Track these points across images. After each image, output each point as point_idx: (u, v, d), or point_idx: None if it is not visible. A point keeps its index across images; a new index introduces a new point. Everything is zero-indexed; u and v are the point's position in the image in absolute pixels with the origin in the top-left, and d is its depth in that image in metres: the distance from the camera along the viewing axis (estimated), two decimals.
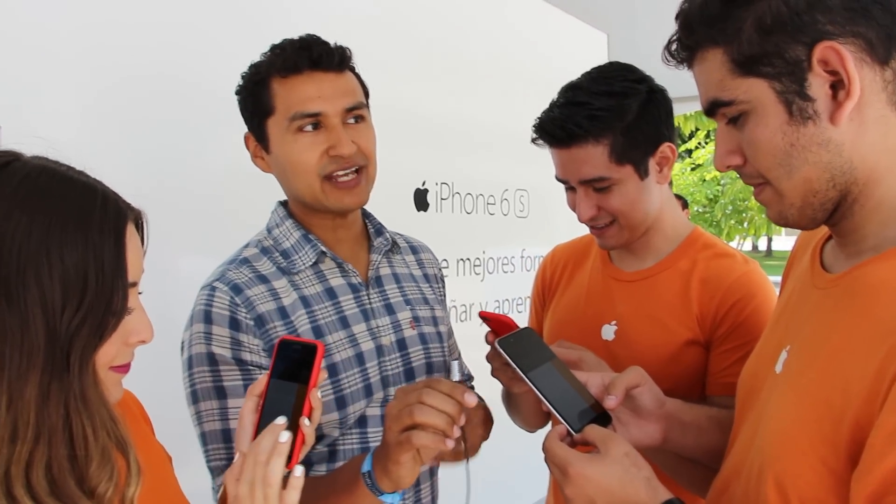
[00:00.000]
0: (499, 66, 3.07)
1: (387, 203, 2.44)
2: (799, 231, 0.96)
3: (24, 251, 0.71)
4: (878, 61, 0.77)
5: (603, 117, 1.24)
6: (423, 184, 2.72)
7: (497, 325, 1.20)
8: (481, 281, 3.04)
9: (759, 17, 0.78)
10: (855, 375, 0.73)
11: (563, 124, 1.26)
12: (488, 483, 2.68)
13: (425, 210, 2.74)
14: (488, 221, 3.08)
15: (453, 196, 2.87)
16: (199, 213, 1.84)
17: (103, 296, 0.75)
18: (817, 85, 0.78)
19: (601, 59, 4.10)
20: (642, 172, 1.29)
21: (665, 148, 1.31)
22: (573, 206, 1.34)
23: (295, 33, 1.25)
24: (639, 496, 0.86)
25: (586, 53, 3.65)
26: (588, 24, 3.72)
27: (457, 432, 0.97)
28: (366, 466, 1.04)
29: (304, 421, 0.88)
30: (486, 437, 1.25)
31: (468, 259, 2.97)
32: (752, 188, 0.89)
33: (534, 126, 1.31)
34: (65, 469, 0.72)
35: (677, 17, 0.86)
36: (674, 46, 0.87)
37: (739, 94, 0.81)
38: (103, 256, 0.75)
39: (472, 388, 1.53)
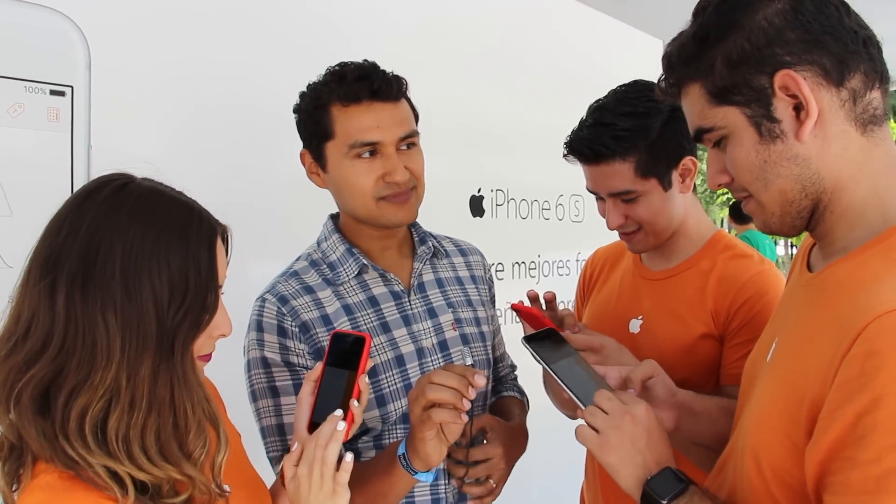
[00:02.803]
0: (554, 75, 3.14)
1: (444, 209, 2.56)
2: None
3: (140, 257, 0.86)
4: (833, 84, 0.87)
5: (627, 137, 1.34)
6: (479, 190, 2.83)
7: (527, 318, 1.31)
8: (536, 283, 3.12)
9: (727, 54, 0.89)
10: (815, 361, 0.82)
11: (591, 144, 1.37)
12: (541, 489, 2.77)
13: (481, 216, 2.84)
14: (543, 226, 3.17)
15: (508, 202, 2.97)
16: (265, 225, 1.98)
17: (200, 295, 0.90)
18: (782, 108, 0.88)
19: (656, 65, 4.14)
20: (666, 184, 1.39)
21: (687, 161, 1.41)
22: (603, 214, 1.45)
23: (349, 52, 1.36)
24: (665, 451, 0.99)
25: (641, 60, 3.68)
26: (642, 31, 3.76)
27: (466, 405, 1.08)
28: (401, 450, 1.17)
29: (354, 403, 1.03)
30: (512, 463, 1.37)
31: (523, 262, 3.06)
32: None
33: (565, 144, 1.43)
34: (170, 436, 0.87)
35: (662, 59, 0.98)
36: (662, 84, 0.99)
37: (717, 121, 0.93)
38: (200, 263, 0.90)
39: (515, 378, 1.65)
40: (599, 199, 1.46)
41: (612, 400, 1.02)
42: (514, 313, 1.35)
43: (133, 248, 0.85)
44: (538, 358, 1.13)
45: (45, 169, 1.61)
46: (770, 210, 0.94)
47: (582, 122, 1.42)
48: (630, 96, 1.40)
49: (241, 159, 1.97)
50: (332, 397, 1.03)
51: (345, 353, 1.06)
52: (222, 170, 1.94)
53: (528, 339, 1.15)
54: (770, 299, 1.34)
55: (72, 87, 1.66)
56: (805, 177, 0.89)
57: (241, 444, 1.14)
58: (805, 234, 1.05)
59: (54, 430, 0.82)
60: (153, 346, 0.86)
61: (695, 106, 0.95)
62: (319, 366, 1.07)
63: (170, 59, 1.82)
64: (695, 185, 1.47)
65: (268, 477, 1.19)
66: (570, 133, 1.43)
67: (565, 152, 1.43)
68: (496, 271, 2.90)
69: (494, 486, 1.34)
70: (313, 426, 1.05)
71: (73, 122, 1.65)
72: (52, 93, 1.63)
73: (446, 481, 1.35)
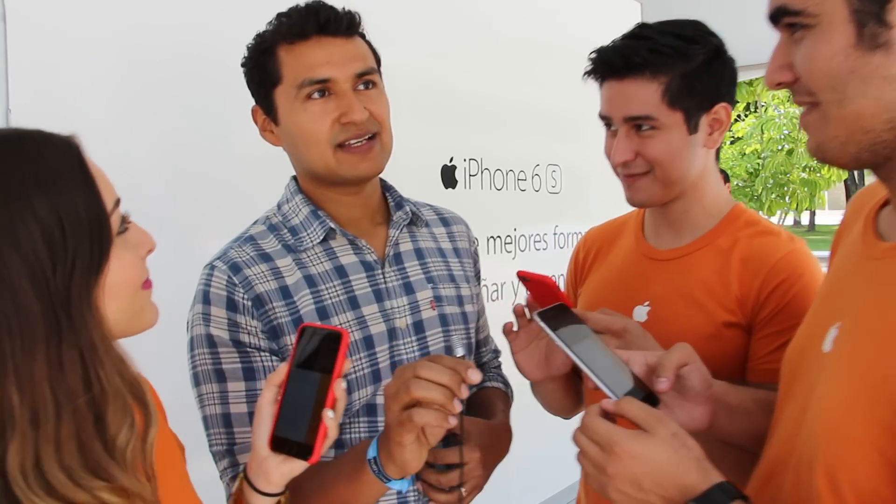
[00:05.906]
0: (527, 40, 2.98)
1: (414, 180, 2.38)
2: (844, 204, 0.87)
3: None
4: None
5: (665, 52, 1.20)
6: (451, 160, 2.67)
7: (537, 290, 1.13)
8: (513, 259, 2.98)
9: None
10: None
11: (623, 52, 1.21)
12: (521, 471, 2.65)
13: (454, 187, 2.69)
14: (519, 198, 3.02)
15: (482, 172, 2.81)
16: (223, 196, 1.82)
17: (86, 230, 0.72)
18: None
19: None
20: (692, 126, 1.23)
21: (720, 108, 1.25)
22: (609, 151, 1.27)
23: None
24: (689, 477, 0.79)
25: (618, 23, 3.53)
26: None
27: (458, 406, 0.91)
28: (371, 452, 1.00)
29: (328, 413, 0.85)
30: (491, 469, 1.20)
31: (499, 237, 2.91)
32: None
33: (590, 56, 1.26)
34: (91, 437, 0.69)
35: None
36: None
37: (811, 4, 0.73)
38: (73, 195, 0.72)
39: (498, 365, 1.49)
40: (610, 130, 1.28)
41: (606, 424, 0.84)
42: (521, 282, 1.14)
43: None
44: (557, 339, 0.97)
45: None
46: (834, 132, 0.76)
47: (617, 38, 1.27)
48: (679, 23, 1.26)
49: (193, 121, 1.78)
50: (300, 406, 0.86)
51: (315, 353, 0.88)
52: (172, 133, 1.75)
53: (542, 315, 0.99)
54: (806, 283, 1.18)
55: None
56: None
57: (181, 460, 0.94)
58: (853, 199, 0.91)
59: None
60: (42, 331, 0.68)
61: None
62: (284, 368, 0.89)
63: (103, 6, 1.61)
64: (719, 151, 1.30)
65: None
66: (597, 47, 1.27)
67: (588, 67, 1.26)
68: None
69: (466, 494, 1.15)
70: (276, 441, 0.87)
71: None
72: None
73: (413, 486, 1.17)
